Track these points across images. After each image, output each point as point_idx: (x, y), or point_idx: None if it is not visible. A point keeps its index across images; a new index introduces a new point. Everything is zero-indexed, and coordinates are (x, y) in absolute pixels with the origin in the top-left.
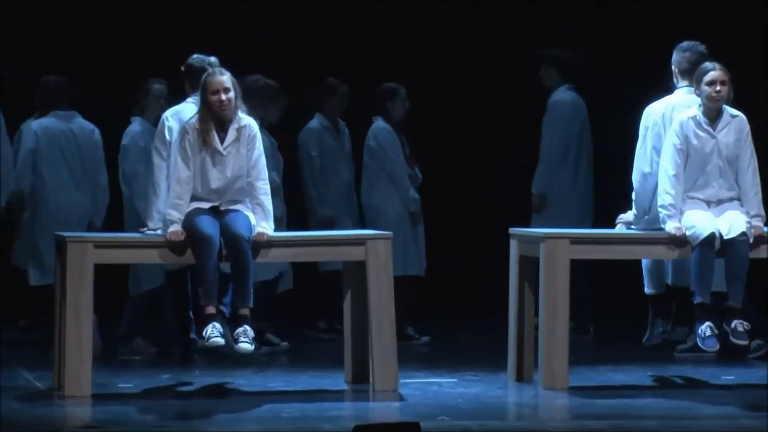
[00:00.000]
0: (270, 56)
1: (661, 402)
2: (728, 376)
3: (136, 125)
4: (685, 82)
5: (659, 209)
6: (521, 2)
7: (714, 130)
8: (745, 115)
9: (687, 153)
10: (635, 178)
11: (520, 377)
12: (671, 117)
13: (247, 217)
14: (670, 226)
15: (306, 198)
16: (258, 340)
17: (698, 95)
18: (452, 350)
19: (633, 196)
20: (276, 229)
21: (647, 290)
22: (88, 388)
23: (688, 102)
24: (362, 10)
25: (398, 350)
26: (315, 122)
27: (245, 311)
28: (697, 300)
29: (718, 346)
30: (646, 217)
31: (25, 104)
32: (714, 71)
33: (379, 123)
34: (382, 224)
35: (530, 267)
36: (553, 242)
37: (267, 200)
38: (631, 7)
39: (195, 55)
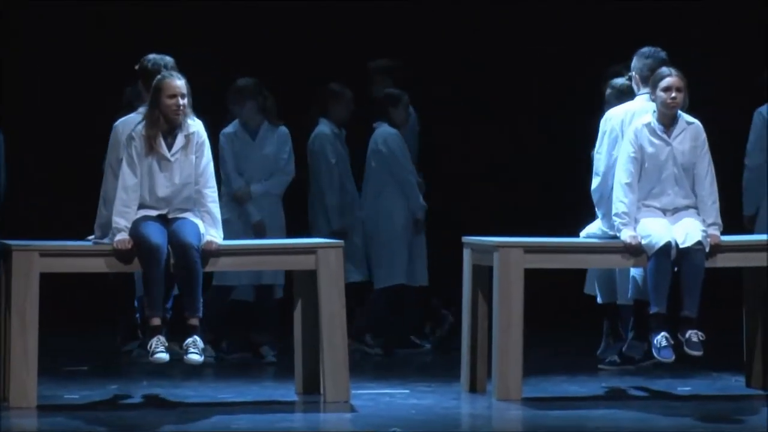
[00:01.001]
0: (270, 56)
1: (617, 413)
2: (684, 387)
3: None
4: (646, 89)
5: (613, 218)
6: (521, 2)
7: (669, 137)
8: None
9: (642, 161)
10: (594, 180)
11: (474, 388)
12: (630, 123)
13: (195, 224)
14: (625, 235)
15: (311, 206)
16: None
17: (653, 101)
18: (405, 361)
19: (594, 196)
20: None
21: (599, 300)
22: (34, 400)
23: (647, 109)
24: (363, 11)
25: (350, 361)
26: (325, 128)
27: (195, 321)
28: (653, 310)
29: (673, 357)
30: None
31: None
32: (670, 77)
33: (386, 128)
34: (388, 232)
35: (483, 276)
36: (506, 251)
37: (215, 208)
38: (632, 7)
39: (151, 55)
